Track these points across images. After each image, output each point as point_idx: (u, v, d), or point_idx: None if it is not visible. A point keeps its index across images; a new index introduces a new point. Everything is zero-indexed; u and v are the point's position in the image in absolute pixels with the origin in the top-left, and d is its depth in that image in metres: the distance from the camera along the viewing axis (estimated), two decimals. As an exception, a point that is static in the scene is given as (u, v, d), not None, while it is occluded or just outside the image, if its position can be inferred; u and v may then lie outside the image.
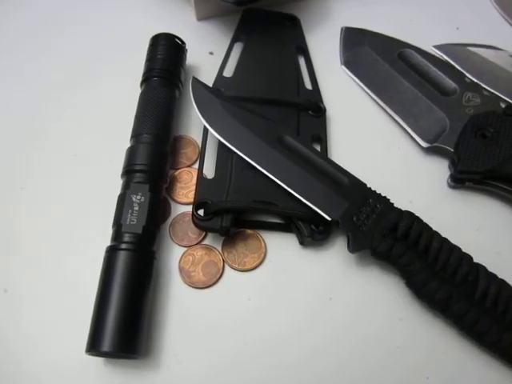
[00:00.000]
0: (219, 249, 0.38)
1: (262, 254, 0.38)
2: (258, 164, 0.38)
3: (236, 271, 0.37)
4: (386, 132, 0.44)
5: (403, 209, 0.38)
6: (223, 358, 0.35)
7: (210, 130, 0.39)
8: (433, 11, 0.52)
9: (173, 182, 0.41)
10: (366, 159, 0.43)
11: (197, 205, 0.37)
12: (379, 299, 0.37)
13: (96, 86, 0.46)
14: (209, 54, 0.48)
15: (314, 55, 0.49)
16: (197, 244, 0.38)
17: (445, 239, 0.36)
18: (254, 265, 0.37)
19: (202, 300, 0.36)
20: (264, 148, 0.39)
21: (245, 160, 0.38)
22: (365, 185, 0.38)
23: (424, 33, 0.50)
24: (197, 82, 0.42)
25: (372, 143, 0.44)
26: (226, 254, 0.38)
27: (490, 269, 0.36)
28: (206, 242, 0.39)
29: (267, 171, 0.38)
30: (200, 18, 0.51)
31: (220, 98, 0.41)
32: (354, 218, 0.36)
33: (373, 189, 0.38)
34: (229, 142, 0.39)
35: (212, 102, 0.41)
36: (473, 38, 0.50)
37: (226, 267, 0.38)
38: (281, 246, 0.38)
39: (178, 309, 0.36)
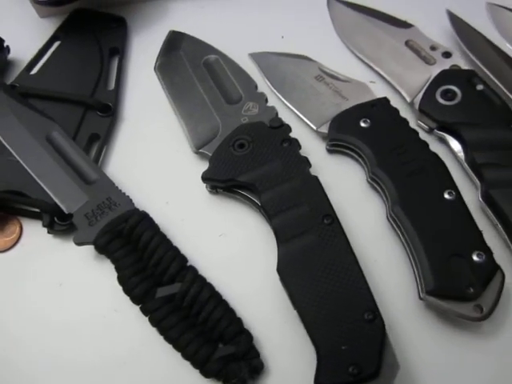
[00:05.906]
0: (-21, 231, 0.42)
1: (15, 240, 0.42)
2: (18, 155, 0.42)
3: (-15, 253, 0.42)
4: (171, 136, 0.46)
5: (158, 209, 0.41)
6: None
7: (-14, 121, 0.43)
8: (262, 19, 0.53)
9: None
10: (146, 160, 0.46)
11: None
12: (101, 289, 0.39)
13: None
14: (40, 50, 0.52)
15: (137, 58, 0.52)
16: (-41, 226, 0.43)
17: (165, 240, 0.39)
18: (3, 248, 0.41)
19: None
20: (29, 141, 0.42)
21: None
22: (112, 184, 0.41)
23: (250, 39, 0.52)
24: (-7, 78, 0.46)
25: (156, 146, 0.46)
26: (-19, 235, 0.42)
27: (215, 274, 0.38)
28: (-28, 224, 0.43)
29: (24, 162, 0.41)
30: (42, 16, 0.54)
31: (7, 94, 0.45)
32: (88, 213, 0.39)
33: (132, 188, 0.41)
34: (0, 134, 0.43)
35: (-1, 97, 0.45)
36: (296, 47, 0.51)
37: (-22, 249, 0.42)
38: (37, 234, 0.42)
39: None
